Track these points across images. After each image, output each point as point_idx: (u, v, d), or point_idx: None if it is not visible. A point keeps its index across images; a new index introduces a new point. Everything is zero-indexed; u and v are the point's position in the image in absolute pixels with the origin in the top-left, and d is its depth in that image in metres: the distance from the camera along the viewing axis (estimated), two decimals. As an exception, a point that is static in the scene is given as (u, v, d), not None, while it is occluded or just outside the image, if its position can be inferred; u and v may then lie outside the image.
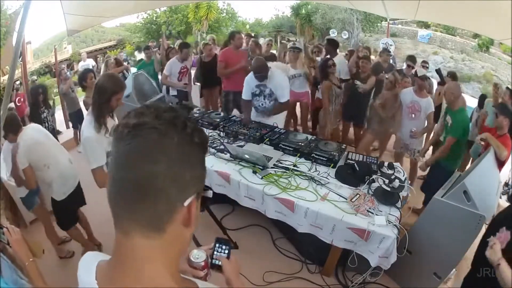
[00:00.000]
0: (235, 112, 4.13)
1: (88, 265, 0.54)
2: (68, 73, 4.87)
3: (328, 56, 3.99)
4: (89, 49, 15.39)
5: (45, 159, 2.15)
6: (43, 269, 1.22)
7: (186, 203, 0.47)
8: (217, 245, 0.87)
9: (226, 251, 0.87)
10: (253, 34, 6.51)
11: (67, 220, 2.36)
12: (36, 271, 1.16)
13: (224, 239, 0.89)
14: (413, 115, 3.23)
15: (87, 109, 2.70)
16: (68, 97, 4.52)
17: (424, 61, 5.19)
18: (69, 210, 2.33)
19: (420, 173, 3.39)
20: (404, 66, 4.65)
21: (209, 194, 0.59)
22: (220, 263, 0.83)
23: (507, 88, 3.62)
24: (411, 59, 4.62)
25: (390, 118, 3.36)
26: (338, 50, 4.74)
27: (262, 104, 3.04)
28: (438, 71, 3.72)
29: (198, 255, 0.83)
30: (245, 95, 3.08)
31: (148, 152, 0.44)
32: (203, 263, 0.83)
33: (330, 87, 3.56)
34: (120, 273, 0.48)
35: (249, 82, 3.02)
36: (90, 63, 7.52)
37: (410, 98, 3.24)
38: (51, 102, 4.61)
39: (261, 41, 5.18)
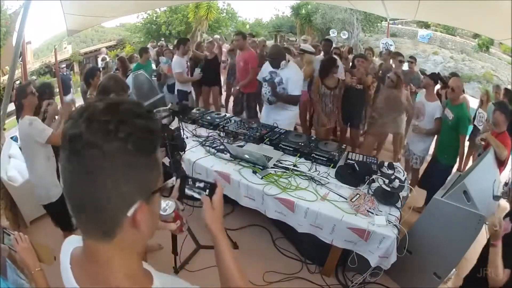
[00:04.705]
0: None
1: (67, 248, 0.59)
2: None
3: (335, 57, 3.98)
4: (89, 49, 15.38)
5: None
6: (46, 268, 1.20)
7: (129, 213, 0.47)
8: (189, 181, 0.78)
9: (207, 190, 0.78)
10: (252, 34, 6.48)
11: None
12: (43, 280, 1.10)
13: (202, 180, 0.79)
14: (418, 117, 3.17)
15: None
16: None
17: (411, 57, 4.78)
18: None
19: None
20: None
21: (171, 183, 0.57)
22: (198, 196, 0.77)
23: (505, 88, 3.64)
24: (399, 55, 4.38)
25: (391, 118, 3.33)
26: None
27: (268, 92, 3.03)
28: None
29: (167, 206, 0.79)
30: (259, 76, 3.24)
31: (83, 173, 0.43)
32: (173, 214, 0.79)
33: (319, 84, 3.45)
34: (85, 268, 0.53)
35: (265, 67, 3.13)
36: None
37: (418, 100, 3.22)
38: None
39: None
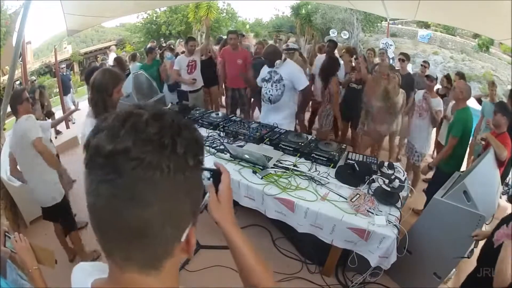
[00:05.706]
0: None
1: (82, 280, 0.49)
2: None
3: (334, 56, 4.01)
4: (89, 49, 15.39)
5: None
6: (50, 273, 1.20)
7: (183, 238, 0.41)
8: None
9: (211, 179, 0.68)
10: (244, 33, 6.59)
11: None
12: (40, 278, 1.13)
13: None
14: (420, 115, 3.27)
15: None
16: None
17: (424, 61, 5.01)
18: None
19: (424, 176, 3.38)
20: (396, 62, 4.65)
21: (206, 200, 0.53)
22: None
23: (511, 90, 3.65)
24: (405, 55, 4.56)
25: (386, 120, 3.32)
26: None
27: (269, 91, 3.01)
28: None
29: None
30: (258, 78, 3.21)
31: (136, 195, 0.35)
32: None
33: (338, 87, 3.46)
34: None
35: (264, 68, 3.12)
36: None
37: (419, 97, 3.30)
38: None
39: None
